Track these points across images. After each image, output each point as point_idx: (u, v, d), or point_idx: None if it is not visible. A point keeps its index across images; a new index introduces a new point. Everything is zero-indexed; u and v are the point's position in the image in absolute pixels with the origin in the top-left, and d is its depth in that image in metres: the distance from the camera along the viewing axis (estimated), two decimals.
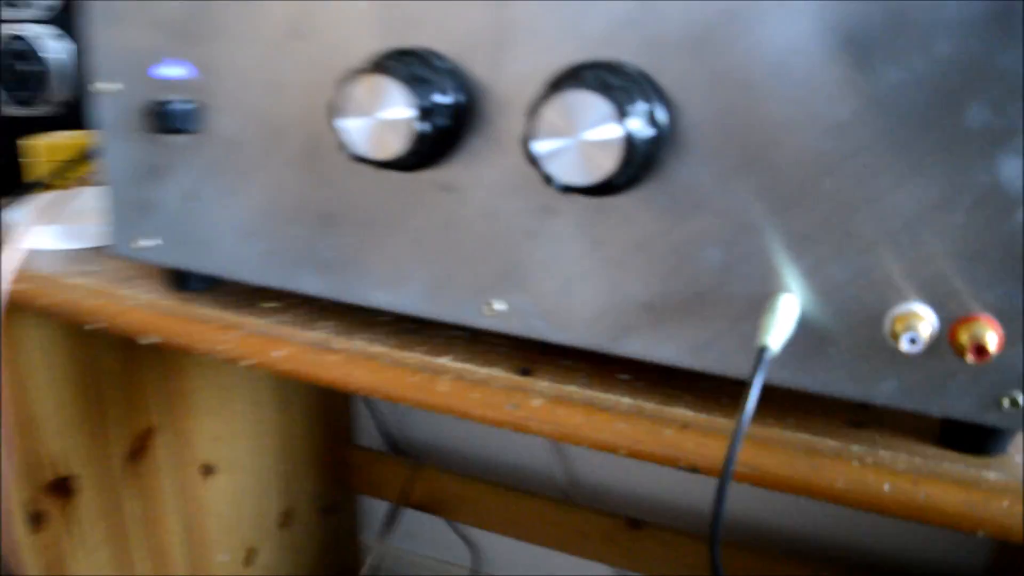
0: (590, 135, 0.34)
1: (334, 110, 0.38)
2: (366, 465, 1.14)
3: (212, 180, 0.46)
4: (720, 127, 0.36)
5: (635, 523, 1.02)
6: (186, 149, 0.47)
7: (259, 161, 0.45)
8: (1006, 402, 0.35)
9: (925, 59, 0.32)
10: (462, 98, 0.39)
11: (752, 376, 0.32)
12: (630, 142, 0.34)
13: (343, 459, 1.14)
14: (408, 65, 0.38)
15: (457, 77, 0.39)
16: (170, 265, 0.50)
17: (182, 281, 0.52)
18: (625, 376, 0.43)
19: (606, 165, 0.34)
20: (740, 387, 0.42)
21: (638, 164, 0.35)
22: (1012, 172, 0.33)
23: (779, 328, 0.34)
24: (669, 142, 0.36)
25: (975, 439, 0.38)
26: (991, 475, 0.37)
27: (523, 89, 0.38)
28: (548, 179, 0.35)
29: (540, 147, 0.35)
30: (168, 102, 0.45)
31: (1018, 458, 0.38)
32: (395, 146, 0.38)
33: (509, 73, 0.38)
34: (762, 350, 0.33)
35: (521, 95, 0.38)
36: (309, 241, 0.45)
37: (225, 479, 0.95)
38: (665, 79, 0.36)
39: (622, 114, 0.33)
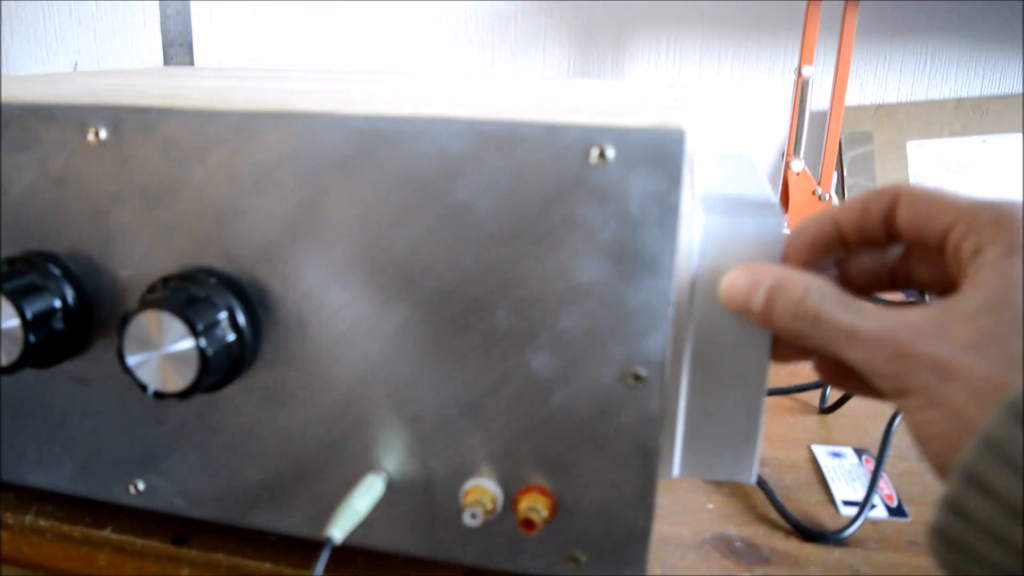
0: (170, 349, 0.37)
1: None
2: None
3: None
4: (301, 329, 0.40)
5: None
6: None
7: None
8: (570, 561, 0.40)
9: (454, 272, 0.37)
10: (73, 301, 0.41)
11: (315, 567, 0.36)
12: (204, 355, 0.37)
13: None
14: (16, 275, 0.40)
15: (69, 280, 0.41)
16: None
17: None
18: (273, 537, 0.46)
19: (187, 375, 0.37)
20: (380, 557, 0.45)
21: (223, 368, 0.38)
22: (541, 364, 0.37)
23: (348, 516, 0.38)
24: (263, 339, 0.40)
25: None
26: None
27: (131, 293, 0.41)
28: (142, 387, 0.38)
29: (130, 361, 0.38)
30: None
31: None
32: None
33: (119, 278, 0.41)
34: (327, 541, 0.36)
35: (130, 298, 0.41)
36: None
37: None
38: (250, 286, 0.40)
39: (195, 330, 0.37)
